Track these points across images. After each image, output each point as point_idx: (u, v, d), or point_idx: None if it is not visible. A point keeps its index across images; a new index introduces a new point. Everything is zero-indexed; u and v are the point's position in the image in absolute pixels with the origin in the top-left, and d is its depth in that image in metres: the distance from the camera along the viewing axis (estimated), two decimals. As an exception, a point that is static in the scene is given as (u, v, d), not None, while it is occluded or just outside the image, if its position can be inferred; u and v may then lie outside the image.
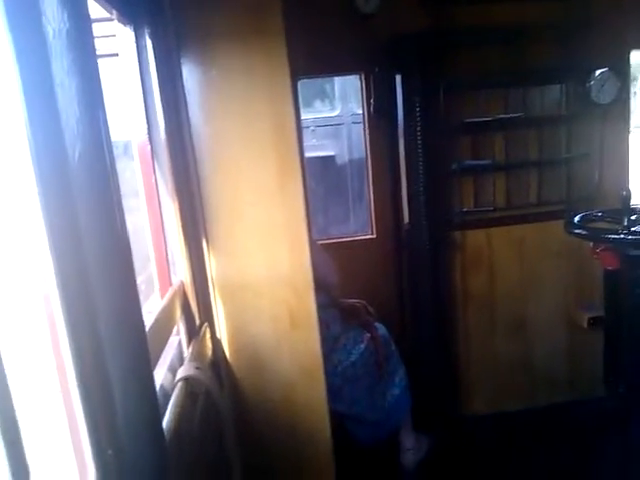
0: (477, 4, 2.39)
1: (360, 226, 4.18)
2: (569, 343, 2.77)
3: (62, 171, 0.63)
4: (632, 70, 2.58)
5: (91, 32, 0.71)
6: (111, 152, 0.74)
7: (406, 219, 2.56)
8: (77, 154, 0.64)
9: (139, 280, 1.57)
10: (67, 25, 0.62)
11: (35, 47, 0.60)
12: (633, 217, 1.84)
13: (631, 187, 2.60)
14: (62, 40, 0.62)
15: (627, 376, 1.99)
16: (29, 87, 0.58)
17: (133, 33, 1.37)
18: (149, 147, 1.43)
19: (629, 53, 2.55)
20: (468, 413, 2.78)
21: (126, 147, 1.54)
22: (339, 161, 4.66)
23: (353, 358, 2.16)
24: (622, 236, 1.74)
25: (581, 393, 2.72)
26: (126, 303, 0.80)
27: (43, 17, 0.60)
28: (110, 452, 0.76)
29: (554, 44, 2.47)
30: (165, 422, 1.06)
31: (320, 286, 1.84)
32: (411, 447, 2.42)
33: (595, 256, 2.27)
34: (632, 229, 1.78)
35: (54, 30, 0.61)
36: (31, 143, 0.59)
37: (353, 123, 4.51)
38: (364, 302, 2.36)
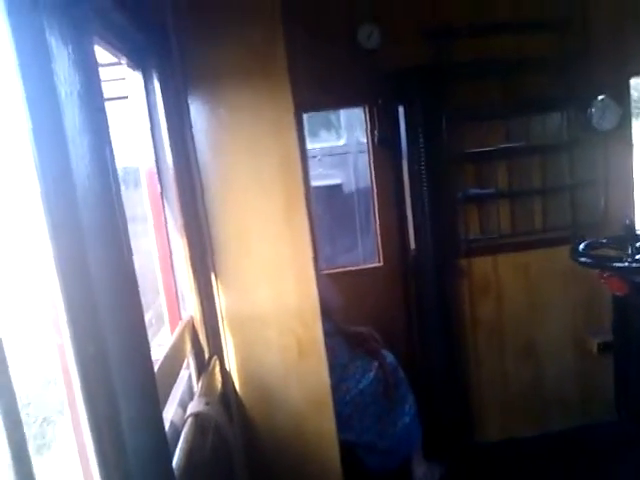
0: (477, 38, 2.44)
1: (368, 254, 4.20)
2: (579, 367, 2.75)
3: (74, 225, 0.66)
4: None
5: (101, 92, 0.75)
6: (120, 204, 0.78)
7: (412, 247, 2.58)
8: (88, 208, 0.67)
9: (149, 315, 1.60)
10: (78, 87, 0.66)
11: (48, 106, 0.63)
12: (638, 244, 1.84)
13: (636, 213, 2.63)
14: (74, 100, 0.65)
15: (637, 400, 1.97)
16: (42, 145, 0.62)
17: (142, 77, 1.42)
18: (158, 183, 1.47)
19: (629, 80, 2.59)
20: (480, 440, 2.75)
21: (136, 182, 1.58)
22: (346, 189, 4.70)
23: (362, 386, 2.16)
24: (627, 264, 1.75)
25: (594, 417, 2.69)
26: (135, 343, 0.83)
27: (55, 78, 0.64)
28: (120, 491, 0.78)
29: (553, 73, 2.52)
30: (175, 459, 1.07)
31: (323, 311, 1.86)
32: (422, 476, 2.39)
33: (603, 281, 2.28)
34: (637, 257, 1.78)
35: (66, 91, 0.64)
36: (44, 197, 0.62)
37: (359, 152, 4.56)
38: (371, 329, 2.37)
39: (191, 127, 1.58)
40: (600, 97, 2.44)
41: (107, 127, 0.76)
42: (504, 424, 2.76)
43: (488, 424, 2.77)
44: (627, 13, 2.51)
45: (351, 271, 2.77)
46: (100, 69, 0.84)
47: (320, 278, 2.00)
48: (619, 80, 2.54)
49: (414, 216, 2.52)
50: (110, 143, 0.76)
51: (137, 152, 1.49)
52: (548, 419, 2.77)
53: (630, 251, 1.83)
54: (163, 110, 1.45)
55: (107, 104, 0.82)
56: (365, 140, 2.73)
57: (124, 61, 1.32)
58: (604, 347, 2.63)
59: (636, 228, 1.94)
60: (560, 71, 2.50)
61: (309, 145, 3.87)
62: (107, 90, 1.47)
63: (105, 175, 0.71)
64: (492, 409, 2.76)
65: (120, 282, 0.80)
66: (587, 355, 2.70)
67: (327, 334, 1.77)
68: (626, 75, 2.57)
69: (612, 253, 1.98)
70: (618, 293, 2.23)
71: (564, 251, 2.01)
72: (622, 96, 2.52)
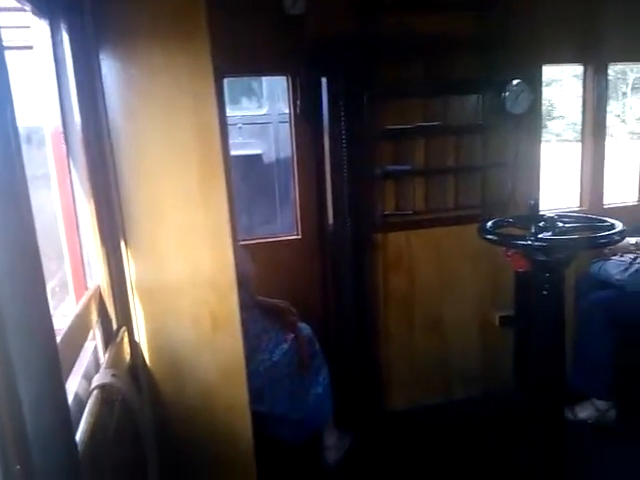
0: (402, 15, 2.46)
1: (286, 226, 4.20)
2: (483, 340, 2.92)
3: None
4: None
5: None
6: (19, 147, 0.71)
7: (331, 220, 2.60)
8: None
9: (53, 283, 1.51)
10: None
11: None
12: (541, 224, 1.96)
13: (541, 195, 2.79)
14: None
15: (533, 371, 2.12)
16: None
17: (49, 27, 1.31)
18: (64, 143, 1.37)
19: (541, 67, 2.72)
20: (389, 409, 2.87)
21: (40, 141, 1.47)
22: (266, 160, 4.65)
23: (275, 358, 2.17)
24: (529, 242, 1.86)
25: (494, 387, 2.87)
26: (36, 312, 0.77)
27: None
28: (18, 467, 0.73)
29: (473, 56, 2.59)
30: (79, 433, 1.02)
31: (239, 283, 1.84)
32: (333, 445, 2.46)
33: (507, 258, 2.41)
34: (539, 236, 1.89)
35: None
36: None
37: (280, 122, 4.52)
38: (287, 303, 2.38)
39: (102, 86, 1.48)
40: (515, 82, 2.54)
41: (7, 77, 0.69)
42: (411, 393, 2.89)
43: (396, 394, 2.89)
44: (544, 1, 2.62)
45: (269, 242, 2.76)
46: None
47: (237, 249, 1.97)
48: (533, 66, 2.67)
49: (333, 189, 2.53)
50: (9, 93, 0.69)
51: (41, 109, 1.38)
52: (452, 389, 2.93)
53: (533, 230, 1.94)
54: (72, 65, 1.35)
55: (8, 53, 0.75)
56: (287, 110, 2.69)
57: (28, 7, 1.20)
58: (506, 321, 2.81)
59: (540, 208, 2.06)
60: (479, 54, 2.58)
61: (229, 112, 3.78)
62: (8, 38, 1.34)
63: (3, 126, 0.65)
64: (400, 379, 2.88)
65: (19, 246, 0.74)
66: (490, 328, 2.87)
67: (243, 306, 1.75)
68: (539, 62, 2.69)
69: (517, 232, 2.09)
70: (520, 270, 2.37)
71: (473, 229, 2.09)
72: (535, 82, 2.65)
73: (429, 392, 2.89)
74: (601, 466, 2.33)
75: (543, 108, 2.91)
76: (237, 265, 1.67)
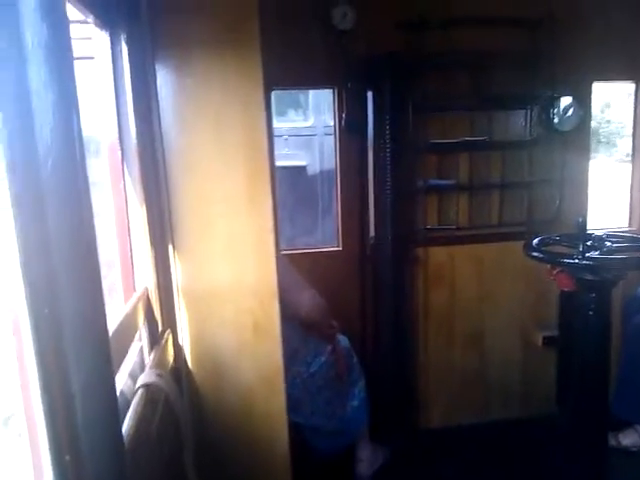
0: (448, 30, 2.46)
1: (328, 238, 4.23)
2: (524, 360, 2.85)
3: (35, 180, 0.64)
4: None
5: (70, 44, 0.72)
6: (84, 163, 0.76)
7: (372, 233, 2.61)
8: (50, 164, 0.65)
9: (105, 284, 1.57)
10: (46, 36, 0.63)
11: (13, 56, 0.61)
12: (588, 243, 1.91)
13: (588, 213, 2.73)
14: (41, 50, 0.63)
15: (576, 394, 2.06)
16: (4, 96, 0.59)
17: (109, 38, 1.38)
18: (119, 151, 1.43)
19: (592, 84, 2.67)
20: (424, 426, 2.83)
21: (97, 149, 1.53)
22: (310, 171, 4.69)
23: (313, 370, 2.18)
24: (576, 261, 1.82)
25: (534, 409, 2.80)
26: (92, 308, 0.81)
27: (22, 27, 0.61)
28: (68, 457, 0.76)
29: (520, 71, 2.57)
30: (124, 428, 1.06)
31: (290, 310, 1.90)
32: (367, 458, 2.45)
33: (552, 278, 2.36)
34: (586, 254, 1.85)
35: (33, 41, 0.62)
36: (5, 150, 0.60)
37: (326, 135, 4.56)
38: (328, 317, 2.37)
39: (157, 95, 1.54)
40: (563, 98, 2.51)
41: (74, 80, 0.73)
42: (448, 411, 2.84)
43: (433, 410, 2.86)
44: (594, 18, 2.58)
45: (310, 253, 2.78)
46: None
47: (280, 258, 2.00)
48: (583, 83, 2.62)
49: (376, 202, 2.54)
50: (76, 96, 0.73)
51: (99, 116, 1.44)
52: (490, 408, 2.87)
53: (580, 249, 1.89)
54: (129, 75, 1.41)
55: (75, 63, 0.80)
56: (332, 123, 2.72)
57: (91, 19, 1.27)
58: (549, 341, 2.74)
59: (587, 227, 2.01)
60: (527, 69, 2.56)
61: (276, 124, 3.85)
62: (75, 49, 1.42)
63: (70, 130, 0.69)
64: (438, 396, 2.84)
65: (79, 246, 0.78)
66: (532, 348, 2.81)
67: (283, 316, 1.77)
68: (589, 79, 2.65)
69: (563, 250, 2.04)
70: (566, 289, 2.31)
71: (518, 246, 2.07)
72: (584, 99, 2.61)
73: (467, 410, 2.84)
74: None
75: (613, 126, 2.86)
76: (279, 275, 1.70)
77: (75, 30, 1.43)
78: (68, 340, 0.75)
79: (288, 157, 4.54)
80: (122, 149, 1.43)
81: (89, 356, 0.80)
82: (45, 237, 0.68)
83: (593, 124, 2.71)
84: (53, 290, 0.70)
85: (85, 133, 1.52)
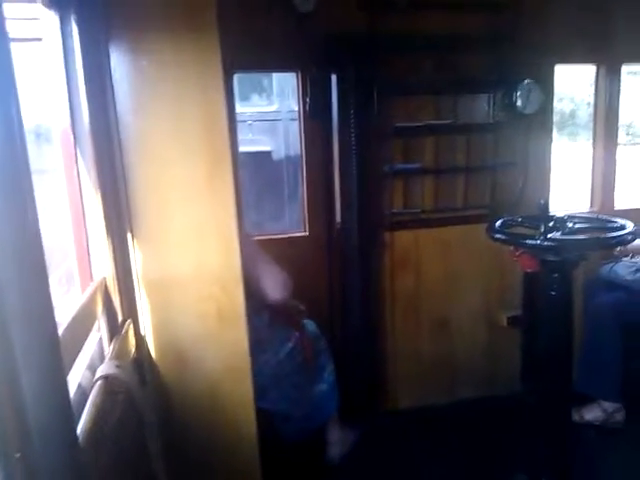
0: (413, 12, 2.45)
1: (294, 223, 4.20)
2: (489, 341, 2.90)
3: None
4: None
5: (3, 24, 0.68)
6: (25, 152, 0.72)
7: (338, 218, 2.60)
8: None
9: (59, 274, 1.52)
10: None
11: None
12: (550, 224, 1.94)
13: (550, 195, 2.77)
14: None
15: (540, 372, 2.10)
16: None
17: (58, 18, 1.31)
18: (72, 137, 1.38)
19: (554, 67, 2.70)
20: (394, 407, 2.86)
21: (47, 133, 1.47)
22: (275, 157, 4.65)
23: (280, 357, 2.16)
24: (538, 242, 1.84)
25: (500, 388, 2.85)
26: (38, 302, 0.78)
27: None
28: (18, 455, 0.74)
29: (484, 55, 2.58)
30: (81, 422, 1.03)
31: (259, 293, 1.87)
32: (337, 440, 2.46)
33: (515, 259, 2.39)
34: (548, 235, 1.87)
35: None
36: None
37: (291, 120, 4.51)
38: (295, 301, 2.36)
39: (111, 79, 1.49)
40: (526, 81, 2.52)
41: (11, 69, 0.68)
42: (416, 392, 2.88)
43: (401, 392, 2.88)
44: (557, 1, 2.59)
45: (277, 239, 2.75)
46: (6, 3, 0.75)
47: (250, 244, 1.98)
48: (545, 66, 2.65)
49: (341, 187, 2.53)
50: (13, 73, 0.69)
51: (50, 102, 1.38)
52: (457, 388, 2.92)
53: (542, 230, 1.91)
54: (81, 57, 1.35)
55: (15, 45, 0.75)
56: (297, 108, 2.69)
57: (37, -2, 1.21)
58: (513, 321, 2.79)
59: (550, 209, 2.04)
60: (490, 52, 2.56)
61: (239, 109, 3.78)
62: (19, 29, 1.35)
63: (7, 110, 0.65)
64: (406, 377, 2.87)
65: (22, 238, 0.74)
66: (497, 328, 2.85)
67: (249, 307, 1.75)
68: (552, 62, 2.67)
69: (526, 232, 2.07)
70: (529, 270, 2.35)
71: (482, 228, 2.08)
72: (546, 82, 2.63)
73: (434, 391, 2.88)
74: (607, 468, 2.31)
75: (585, 110, 2.89)
76: (249, 260, 1.67)
77: (21, 10, 1.37)
78: (15, 337, 0.72)
79: (253, 142, 4.49)
80: (75, 135, 1.38)
81: (38, 353, 0.77)
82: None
83: (571, 107, 2.73)
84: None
85: (35, 119, 1.46)
